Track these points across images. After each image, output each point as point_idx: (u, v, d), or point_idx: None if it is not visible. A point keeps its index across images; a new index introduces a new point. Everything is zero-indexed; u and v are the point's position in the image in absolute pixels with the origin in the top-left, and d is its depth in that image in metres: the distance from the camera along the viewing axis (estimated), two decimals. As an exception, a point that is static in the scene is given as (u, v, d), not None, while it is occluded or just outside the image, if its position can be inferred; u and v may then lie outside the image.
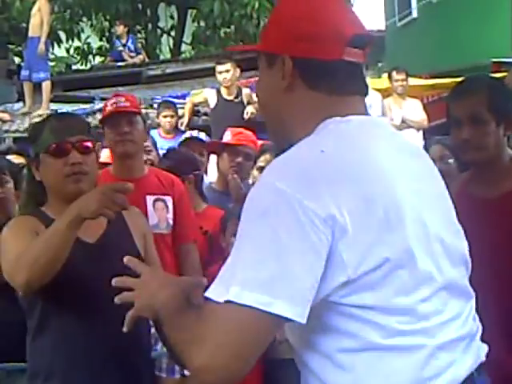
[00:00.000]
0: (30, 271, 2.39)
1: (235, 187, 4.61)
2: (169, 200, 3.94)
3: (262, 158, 4.86)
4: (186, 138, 5.62)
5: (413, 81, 10.00)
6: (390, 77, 9.64)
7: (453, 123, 2.79)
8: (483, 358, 1.72)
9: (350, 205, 1.51)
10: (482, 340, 1.76)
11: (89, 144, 2.68)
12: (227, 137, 5.06)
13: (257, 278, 1.47)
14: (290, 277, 1.47)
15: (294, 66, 1.68)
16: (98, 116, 8.46)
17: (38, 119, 8.49)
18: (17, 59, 14.27)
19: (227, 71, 8.41)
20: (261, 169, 4.90)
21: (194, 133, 5.70)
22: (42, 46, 10.73)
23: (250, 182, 4.86)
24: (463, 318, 1.68)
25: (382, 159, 1.62)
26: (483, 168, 2.77)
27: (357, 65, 1.72)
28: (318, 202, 1.49)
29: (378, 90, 9.56)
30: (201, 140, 5.47)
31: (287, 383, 3.92)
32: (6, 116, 11.04)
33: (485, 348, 1.75)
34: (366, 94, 1.76)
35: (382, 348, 1.55)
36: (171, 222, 3.97)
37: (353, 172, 1.56)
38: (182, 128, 8.39)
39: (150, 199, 3.87)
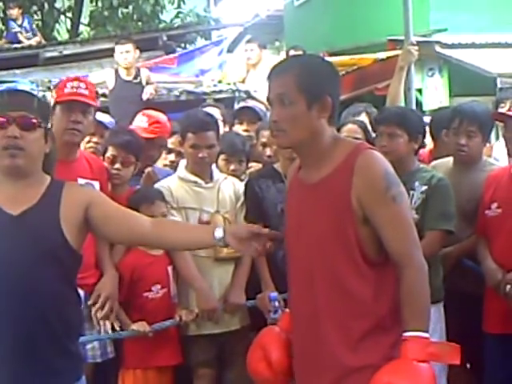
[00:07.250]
0: None
1: (148, 179, 4.61)
2: (96, 185, 3.95)
3: (264, 134, 4.89)
4: None
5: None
6: (287, 55, 9.74)
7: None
8: None
9: None
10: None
11: (32, 120, 2.65)
12: (142, 123, 4.98)
13: None
14: None
15: None
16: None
17: None
18: None
19: (127, 52, 8.34)
20: (264, 145, 4.92)
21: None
22: None
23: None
24: None
25: None
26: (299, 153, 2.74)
27: None
28: None
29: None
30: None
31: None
32: None
33: None
34: None
35: None
36: None
37: None
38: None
39: (81, 182, 3.79)
